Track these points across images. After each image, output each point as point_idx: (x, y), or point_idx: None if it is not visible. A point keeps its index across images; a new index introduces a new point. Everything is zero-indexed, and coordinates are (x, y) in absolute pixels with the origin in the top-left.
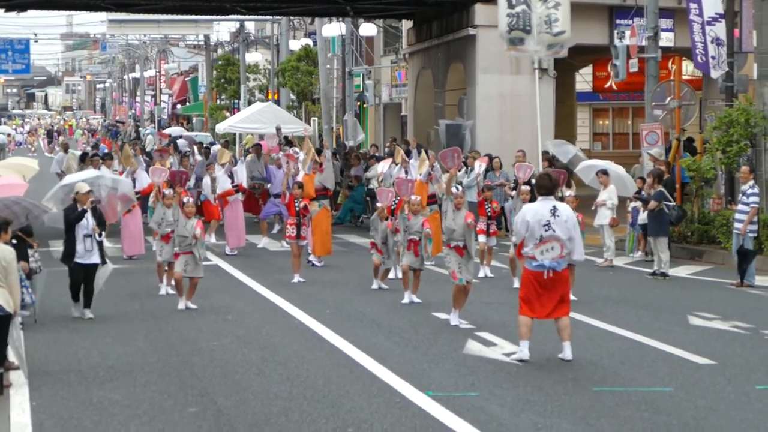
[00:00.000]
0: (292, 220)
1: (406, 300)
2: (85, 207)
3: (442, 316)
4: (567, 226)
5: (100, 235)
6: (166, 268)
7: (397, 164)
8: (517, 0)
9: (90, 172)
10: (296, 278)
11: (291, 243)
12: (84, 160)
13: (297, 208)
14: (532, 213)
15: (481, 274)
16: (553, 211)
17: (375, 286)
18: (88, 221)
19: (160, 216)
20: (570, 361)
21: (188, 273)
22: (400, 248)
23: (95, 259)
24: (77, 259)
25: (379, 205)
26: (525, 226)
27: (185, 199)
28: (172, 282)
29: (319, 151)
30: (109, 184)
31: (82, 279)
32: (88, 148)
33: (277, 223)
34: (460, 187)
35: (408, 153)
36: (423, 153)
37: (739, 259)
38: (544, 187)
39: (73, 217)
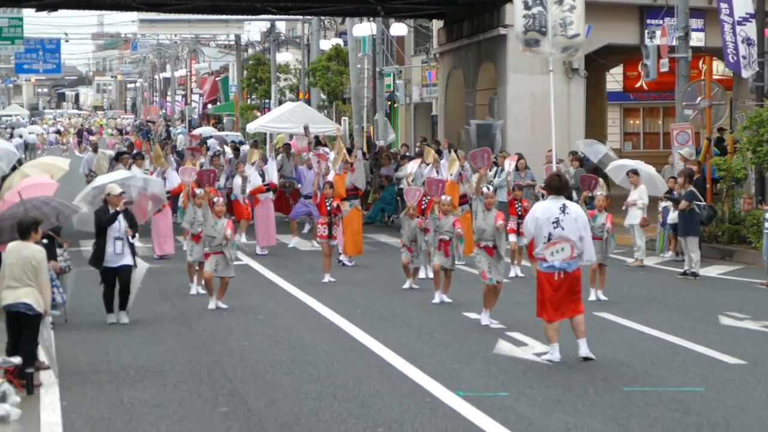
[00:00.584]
0: (323, 219)
1: (436, 300)
2: (117, 209)
3: (472, 315)
4: (577, 225)
5: (133, 237)
6: (197, 267)
7: (428, 164)
8: (533, 1)
9: (121, 173)
10: (327, 278)
11: (322, 242)
12: (118, 159)
13: (328, 208)
14: (542, 210)
15: (512, 274)
16: (563, 209)
17: (407, 285)
18: (120, 223)
19: (191, 215)
20: (594, 360)
21: (219, 273)
22: (430, 248)
23: (127, 260)
24: (107, 264)
25: (408, 204)
26: (534, 223)
27: (215, 199)
28: (203, 282)
29: (349, 151)
30: (140, 184)
31: (114, 284)
32: (123, 148)
33: (307, 223)
34: (490, 187)
35: (439, 153)
36: (453, 153)
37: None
38: (554, 187)
39: (105, 219)
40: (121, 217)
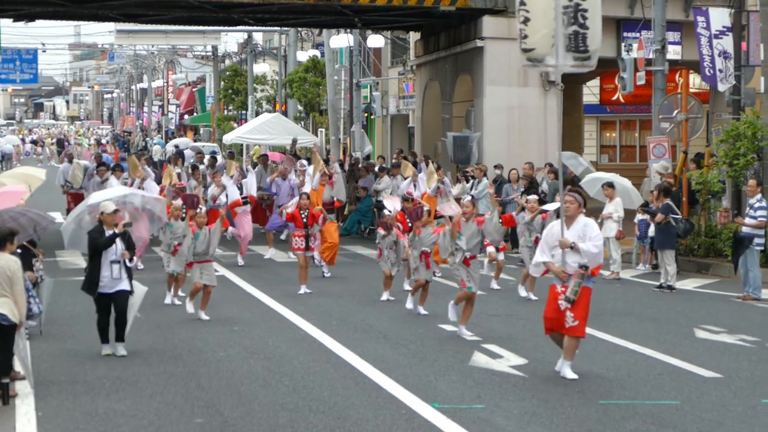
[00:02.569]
0: (299, 231)
1: (409, 305)
2: (115, 230)
3: (448, 328)
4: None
5: (130, 260)
6: (173, 272)
7: (405, 178)
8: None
9: (117, 190)
10: (303, 289)
11: (298, 255)
12: (97, 171)
13: (304, 220)
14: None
15: (495, 287)
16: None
17: (384, 297)
18: (117, 246)
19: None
20: (582, 373)
21: (204, 280)
22: (411, 265)
23: (123, 285)
24: (102, 289)
25: (386, 212)
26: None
27: (200, 209)
28: (179, 293)
29: (325, 161)
30: (137, 202)
31: (109, 311)
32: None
33: (283, 235)
34: (468, 197)
35: (415, 165)
36: (431, 165)
37: (734, 246)
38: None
39: (101, 242)
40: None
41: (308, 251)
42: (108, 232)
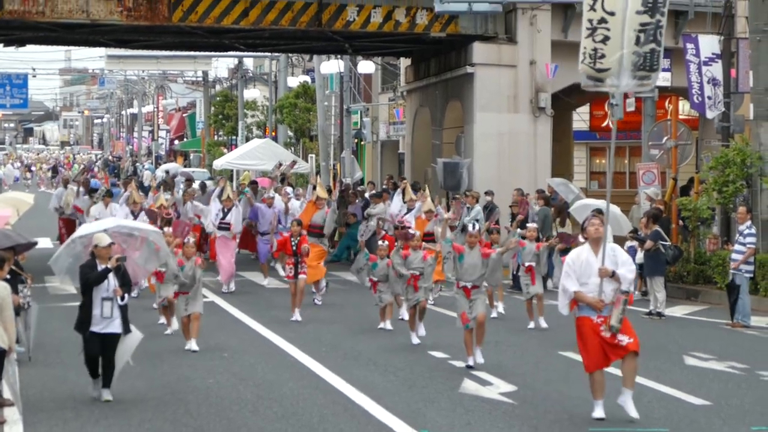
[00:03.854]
0: (290, 259)
1: (415, 341)
2: (108, 266)
3: (438, 355)
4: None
5: (122, 299)
6: (165, 304)
7: (405, 202)
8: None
9: (111, 221)
10: (295, 316)
11: (290, 282)
12: (91, 196)
13: (294, 247)
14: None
15: (493, 315)
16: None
17: (381, 326)
18: (110, 281)
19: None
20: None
21: (188, 311)
22: (401, 296)
23: (115, 327)
24: (93, 328)
25: (381, 243)
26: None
27: (187, 239)
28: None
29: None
30: (135, 234)
31: (99, 352)
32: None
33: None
34: (476, 225)
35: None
36: (427, 192)
37: (729, 294)
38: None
39: (93, 277)
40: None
41: (299, 276)
42: (101, 267)
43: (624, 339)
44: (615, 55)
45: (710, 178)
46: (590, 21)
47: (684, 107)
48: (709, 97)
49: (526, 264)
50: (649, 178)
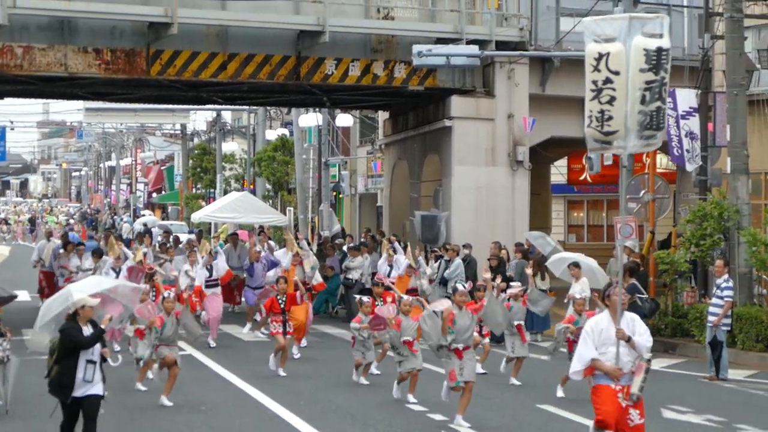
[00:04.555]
0: (278, 317)
1: (396, 394)
2: (102, 326)
3: (416, 408)
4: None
5: (104, 360)
6: (142, 363)
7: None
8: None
9: (92, 281)
10: (281, 372)
11: (277, 338)
12: (65, 248)
13: (282, 305)
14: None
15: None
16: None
17: (355, 378)
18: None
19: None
20: None
21: (161, 356)
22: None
23: (96, 389)
24: (74, 392)
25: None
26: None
27: (165, 293)
28: (149, 374)
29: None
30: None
31: (77, 417)
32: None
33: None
34: (465, 285)
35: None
36: (410, 251)
37: (712, 351)
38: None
39: (86, 340)
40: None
41: (286, 335)
42: (85, 328)
43: (635, 417)
44: (622, 116)
45: (688, 232)
46: (594, 82)
47: (662, 161)
48: (688, 151)
49: (515, 323)
50: (626, 232)
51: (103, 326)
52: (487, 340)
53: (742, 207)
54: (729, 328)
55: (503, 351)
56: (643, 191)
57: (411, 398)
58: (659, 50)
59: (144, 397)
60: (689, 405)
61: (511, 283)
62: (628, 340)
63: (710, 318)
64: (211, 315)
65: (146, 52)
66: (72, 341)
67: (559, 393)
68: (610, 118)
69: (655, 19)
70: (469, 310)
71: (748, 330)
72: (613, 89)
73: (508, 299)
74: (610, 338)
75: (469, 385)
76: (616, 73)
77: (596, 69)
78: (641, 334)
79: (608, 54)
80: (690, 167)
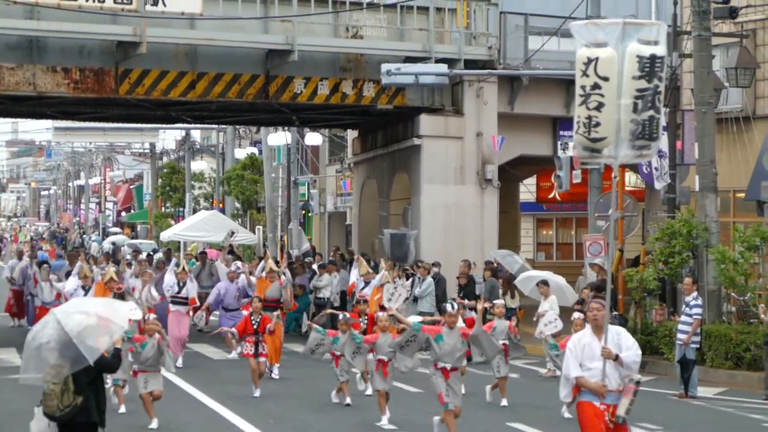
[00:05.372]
0: (250, 337)
1: (384, 422)
2: (117, 346)
3: (386, 426)
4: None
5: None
6: (121, 385)
7: (361, 275)
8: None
9: (85, 301)
10: (257, 392)
11: (249, 360)
12: (41, 267)
13: (255, 325)
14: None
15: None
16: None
17: (336, 400)
18: None
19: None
20: None
21: (148, 388)
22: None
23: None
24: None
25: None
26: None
27: (148, 316)
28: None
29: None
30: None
31: None
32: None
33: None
34: (455, 305)
35: (351, 262)
36: (385, 272)
37: (681, 369)
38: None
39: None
40: None
41: (258, 357)
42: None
43: None
44: (610, 123)
45: (657, 249)
46: (583, 87)
47: (630, 179)
48: (656, 169)
49: (500, 342)
50: (595, 249)
51: (118, 346)
52: (464, 362)
53: (710, 225)
54: (698, 346)
55: (484, 372)
56: (611, 209)
57: (384, 419)
58: (653, 58)
59: (117, 420)
60: (658, 423)
61: (495, 302)
62: (616, 358)
63: (680, 336)
64: (179, 335)
65: (115, 71)
66: (108, 366)
67: (566, 414)
68: (598, 124)
69: (651, 26)
70: (460, 332)
71: (717, 347)
72: (602, 95)
73: (492, 318)
74: (593, 353)
75: (457, 411)
76: (605, 79)
77: (585, 74)
78: (629, 348)
79: (597, 59)
80: (659, 185)
